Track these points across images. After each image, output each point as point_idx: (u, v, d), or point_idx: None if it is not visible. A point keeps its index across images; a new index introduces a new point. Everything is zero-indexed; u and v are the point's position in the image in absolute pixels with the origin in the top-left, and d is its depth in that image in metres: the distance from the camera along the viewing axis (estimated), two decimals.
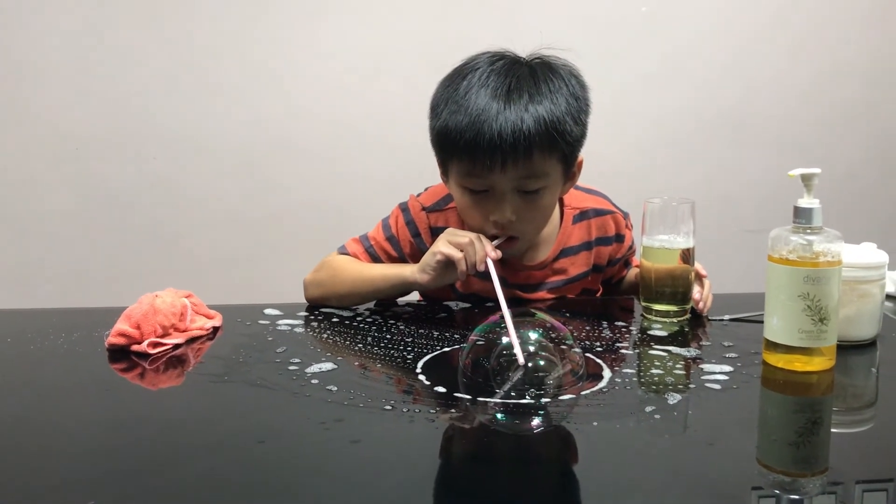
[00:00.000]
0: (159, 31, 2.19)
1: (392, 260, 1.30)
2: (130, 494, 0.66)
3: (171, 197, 2.25)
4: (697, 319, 1.17)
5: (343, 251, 1.32)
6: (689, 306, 1.17)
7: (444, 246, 1.14)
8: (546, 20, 2.22)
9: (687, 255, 1.15)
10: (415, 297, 1.39)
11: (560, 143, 1.12)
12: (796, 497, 0.67)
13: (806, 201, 0.94)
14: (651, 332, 1.10)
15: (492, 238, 1.17)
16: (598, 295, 1.40)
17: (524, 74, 1.14)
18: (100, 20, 2.16)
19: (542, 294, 1.31)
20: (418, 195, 1.33)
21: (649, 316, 1.17)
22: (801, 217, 0.93)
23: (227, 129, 2.24)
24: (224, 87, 2.23)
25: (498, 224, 1.16)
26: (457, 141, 1.11)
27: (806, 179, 0.94)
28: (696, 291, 1.16)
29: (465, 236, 1.13)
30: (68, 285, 2.23)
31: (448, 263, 1.14)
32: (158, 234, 2.26)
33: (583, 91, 1.17)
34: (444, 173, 1.23)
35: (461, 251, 1.12)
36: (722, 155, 2.42)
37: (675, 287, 1.15)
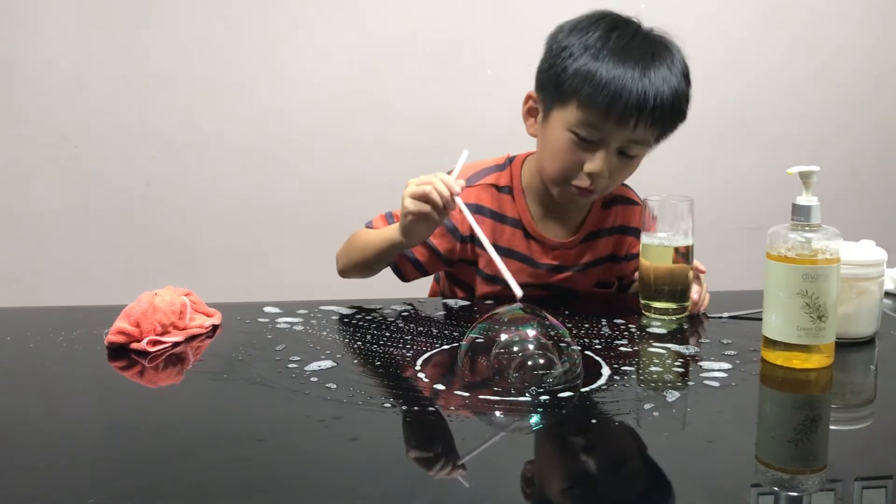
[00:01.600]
0: (159, 28, 2.18)
1: None
2: (129, 493, 0.66)
3: (171, 195, 2.25)
4: (696, 317, 1.17)
5: (368, 225, 1.32)
6: (687, 304, 1.17)
7: (411, 203, 1.11)
8: (545, 18, 2.21)
9: (686, 253, 1.15)
10: (410, 295, 1.39)
11: (676, 119, 1.20)
12: (795, 494, 0.67)
13: (804, 199, 0.94)
14: (650, 330, 1.10)
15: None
16: (611, 293, 1.39)
17: (659, 44, 1.19)
18: (99, 18, 2.16)
19: (567, 275, 1.31)
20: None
21: (648, 313, 1.17)
22: (800, 214, 0.93)
23: (227, 128, 2.24)
24: (223, 86, 2.22)
25: (591, 175, 1.17)
26: (598, 87, 1.12)
27: (804, 177, 0.94)
28: (694, 292, 1.16)
29: (425, 185, 1.10)
30: (68, 283, 2.23)
31: (421, 218, 1.12)
32: (158, 232, 2.26)
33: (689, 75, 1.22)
34: (543, 112, 1.21)
35: (427, 201, 1.09)
36: (720, 152, 2.41)
37: (674, 285, 1.15)
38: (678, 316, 1.15)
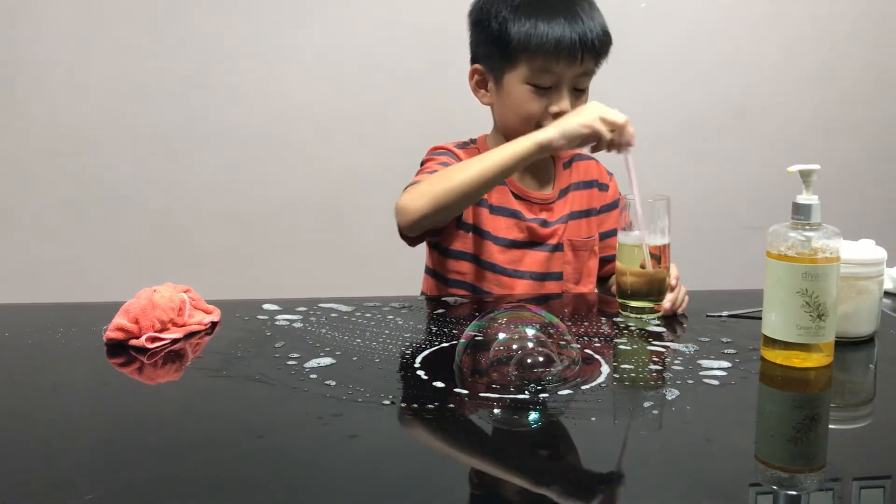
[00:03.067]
0: (158, 27, 2.18)
1: None
2: (128, 489, 0.66)
3: (170, 192, 2.25)
4: (697, 316, 1.17)
5: (414, 184, 1.26)
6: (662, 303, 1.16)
7: (597, 122, 1.17)
8: None
9: (662, 252, 1.14)
10: (407, 292, 1.39)
11: (607, 49, 1.31)
12: (794, 493, 0.67)
13: (805, 198, 0.94)
14: (649, 328, 1.10)
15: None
16: (595, 243, 1.44)
17: None
18: (99, 16, 2.16)
19: (555, 228, 1.38)
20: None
21: (625, 313, 1.16)
22: (800, 213, 0.93)
23: (226, 125, 2.24)
24: (222, 83, 2.22)
25: (559, 116, 1.26)
26: (543, 38, 1.24)
27: (805, 176, 0.94)
28: (667, 300, 1.15)
29: (619, 116, 1.18)
30: (66, 280, 2.23)
31: (592, 136, 1.17)
32: (157, 229, 2.26)
33: None
34: (495, 79, 1.32)
35: (612, 129, 1.17)
36: (720, 151, 2.42)
37: (651, 284, 1.14)
38: (655, 315, 1.15)
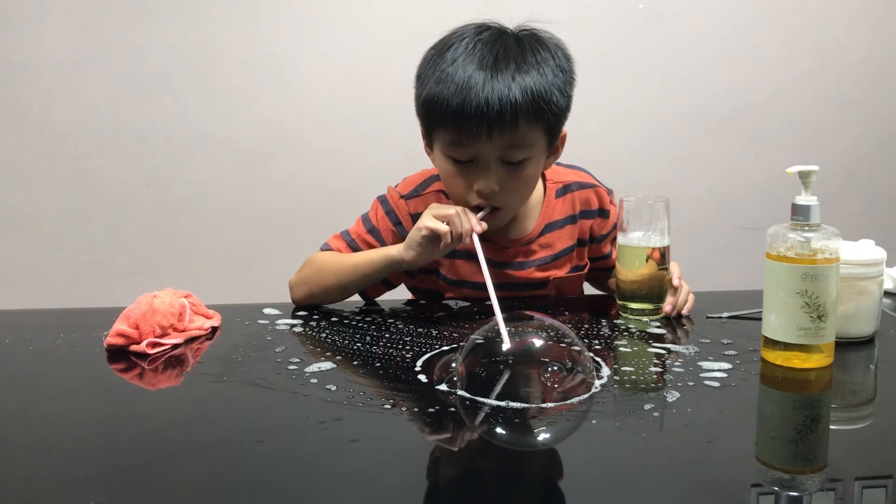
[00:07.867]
0: (157, 29, 2.18)
1: None
2: (129, 494, 0.66)
3: (170, 196, 2.25)
4: (697, 317, 1.17)
5: (326, 248, 1.32)
6: (663, 305, 1.16)
7: (429, 220, 1.13)
8: (545, 20, 2.21)
9: (662, 254, 1.14)
10: (407, 295, 1.39)
11: (546, 114, 1.13)
12: (795, 494, 0.67)
13: (804, 198, 0.94)
14: (649, 330, 1.10)
15: (476, 210, 1.17)
16: (587, 270, 1.37)
17: (511, 45, 1.15)
18: (98, 18, 2.16)
19: (531, 271, 1.30)
20: (396, 185, 1.34)
21: (625, 314, 1.16)
22: (799, 214, 0.93)
23: (226, 129, 2.24)
24: (222, 87, 2.22)
25: (482, 194, 1.16)
26: (443, 109, 1.11)
27: (804, 176, 0.94)
28: (667, 303, 1.15)
29: (450, 209, 1.13)
30: (67, 285, 2.23)
31: (433, 238, 1.13)
32: (157, 233, 2.26)
33: (569, 64, 1.18)
34: (429, 144, 1.22)
35: (446, 224, 1.12)
36: (719, 152, 2.42)
37: (651, 286, 1.14)
38: (654, 317, 1.15)
